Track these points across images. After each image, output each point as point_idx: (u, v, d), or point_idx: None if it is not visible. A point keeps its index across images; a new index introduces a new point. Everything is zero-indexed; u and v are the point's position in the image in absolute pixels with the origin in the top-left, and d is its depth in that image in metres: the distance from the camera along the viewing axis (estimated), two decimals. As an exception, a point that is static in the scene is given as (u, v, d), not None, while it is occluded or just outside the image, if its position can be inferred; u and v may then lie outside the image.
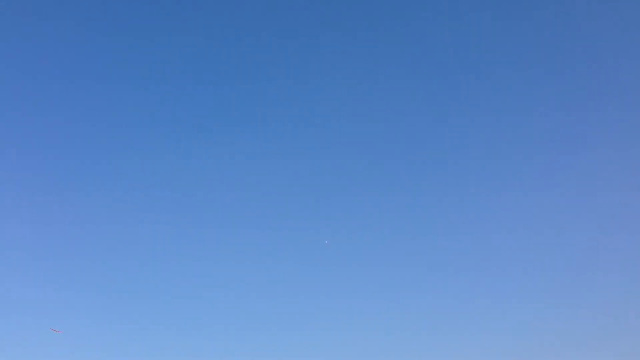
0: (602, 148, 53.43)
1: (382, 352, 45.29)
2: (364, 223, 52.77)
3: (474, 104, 57.04)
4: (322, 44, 59.60)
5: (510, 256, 50.35)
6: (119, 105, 57.42)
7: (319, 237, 51.45)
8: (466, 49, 58.51)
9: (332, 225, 52.48)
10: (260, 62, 59.36)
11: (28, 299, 46.88)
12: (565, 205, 52.16)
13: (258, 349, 45.66)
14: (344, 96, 58.54)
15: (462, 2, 59.10)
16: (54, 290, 47.53)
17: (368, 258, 50.87)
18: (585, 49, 56.59)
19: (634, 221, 49.74)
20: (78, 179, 54.10)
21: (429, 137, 56.80)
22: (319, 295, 49.24)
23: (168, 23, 60.10)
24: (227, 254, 51.20)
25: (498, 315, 47.32)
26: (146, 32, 59.65)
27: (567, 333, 45.67)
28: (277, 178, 55.42)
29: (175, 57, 59.30)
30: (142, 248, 51.11)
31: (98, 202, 53.00)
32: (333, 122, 57.66)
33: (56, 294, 47.30)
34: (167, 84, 58.60)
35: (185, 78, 59.03)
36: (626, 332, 44.80)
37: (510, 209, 52.63)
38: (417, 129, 57.40)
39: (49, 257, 49.41)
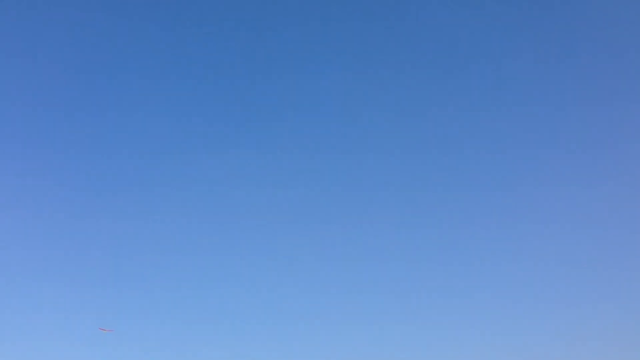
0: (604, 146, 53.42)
1: (386, 350, 45.64)
2: (369, 222, 52.90)
3: (478, 101, 56.94)
4: (329, 42, 59.73)
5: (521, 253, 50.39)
6: (127, 105, 57.76)
7: (325, 236, 51.76)
8: (472, 46, 58.38)
9: (340, 224, 52.69)
10: (266, 61, 59.53)
11: (35, 298, 47.51)
12: (572, 203, 52.14)
13: (266, 347, 46.15)
14: (352, 96, 58.49)
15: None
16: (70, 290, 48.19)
17: (376, 256, 51.09)
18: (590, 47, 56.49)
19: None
20: (86, 178, 54.51)
21: (437, 136, 56.74)
22: (327, 294, 49.55)
23: (177, 23, 60.25)
24: (240, 253, 51.52)
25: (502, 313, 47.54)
26: (154, 33, 59.89)
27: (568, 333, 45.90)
28: (284, 177, 55.58)
29: (184, 57, 59.52)
30: (152, 247, 51.59)
31: (103, 201, 53.47)
32: (344, 121, 57.64)
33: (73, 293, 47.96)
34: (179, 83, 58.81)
35: (192, 78, 59.24)
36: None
37: (521, 206, 52.56)
38: (425, 127, 57.32)
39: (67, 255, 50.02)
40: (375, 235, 52.12)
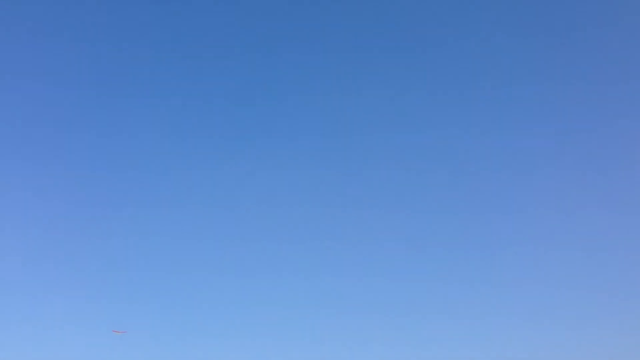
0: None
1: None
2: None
3: (477, 103, 56.86)
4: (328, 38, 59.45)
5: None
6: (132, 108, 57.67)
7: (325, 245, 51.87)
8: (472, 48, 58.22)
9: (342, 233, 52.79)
10: (269, 65, 59.37)
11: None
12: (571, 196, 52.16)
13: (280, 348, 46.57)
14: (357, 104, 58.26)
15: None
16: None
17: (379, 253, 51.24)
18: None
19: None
20: (95, 178, 54.49)
21: (437, 137, 56.69)
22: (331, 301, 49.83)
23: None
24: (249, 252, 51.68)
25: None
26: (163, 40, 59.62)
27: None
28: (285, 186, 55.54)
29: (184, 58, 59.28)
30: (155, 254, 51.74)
31: (104, 202, 53.58)
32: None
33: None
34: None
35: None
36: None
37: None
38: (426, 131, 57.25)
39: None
40: (379, 227, 52.47)
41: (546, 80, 55.72)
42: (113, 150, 55.62)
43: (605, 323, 45.72)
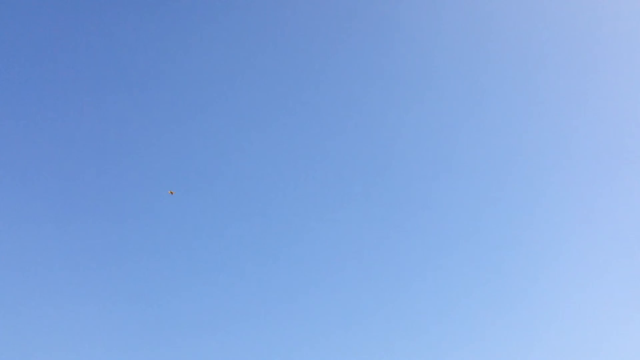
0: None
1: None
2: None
3: (469, 105, 57.05)
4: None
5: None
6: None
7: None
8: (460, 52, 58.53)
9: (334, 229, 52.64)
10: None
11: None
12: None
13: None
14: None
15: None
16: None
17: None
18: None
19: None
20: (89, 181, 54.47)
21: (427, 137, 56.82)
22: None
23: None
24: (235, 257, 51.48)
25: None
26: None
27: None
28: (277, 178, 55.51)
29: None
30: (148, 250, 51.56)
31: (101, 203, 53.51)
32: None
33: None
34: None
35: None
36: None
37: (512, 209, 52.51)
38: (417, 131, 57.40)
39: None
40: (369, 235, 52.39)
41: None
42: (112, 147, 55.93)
43: (606, 324, 45.56)
